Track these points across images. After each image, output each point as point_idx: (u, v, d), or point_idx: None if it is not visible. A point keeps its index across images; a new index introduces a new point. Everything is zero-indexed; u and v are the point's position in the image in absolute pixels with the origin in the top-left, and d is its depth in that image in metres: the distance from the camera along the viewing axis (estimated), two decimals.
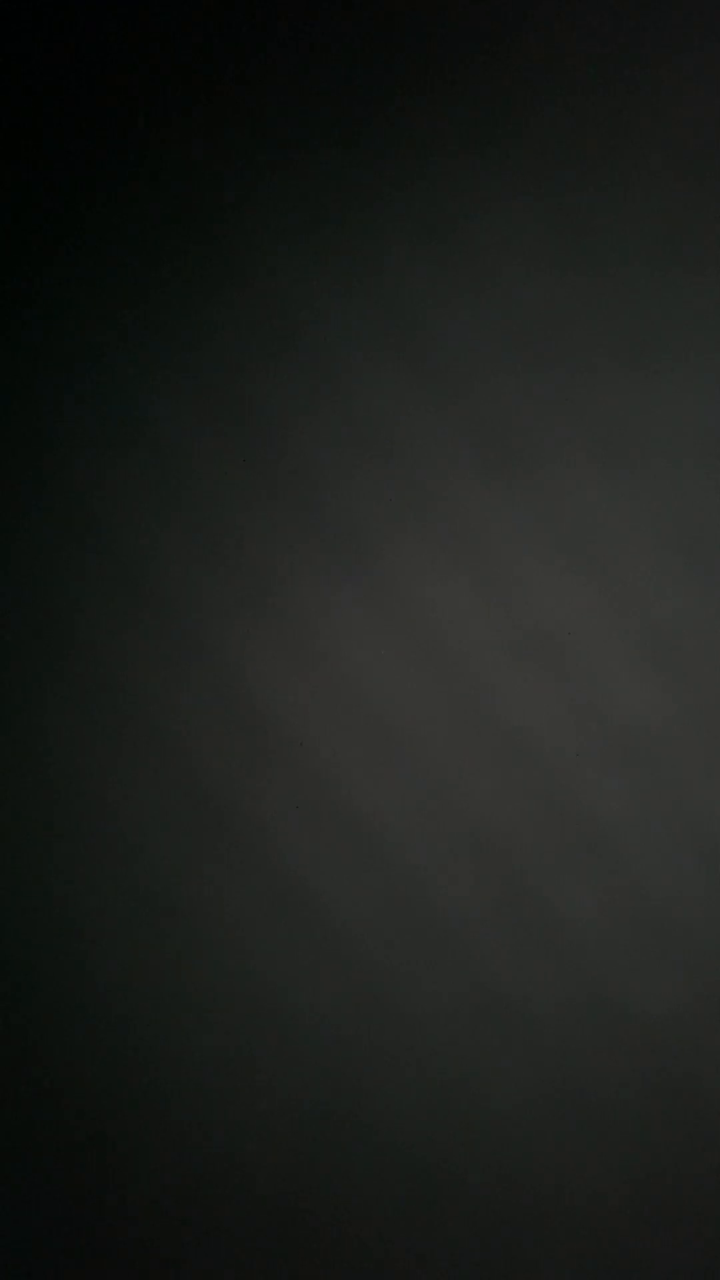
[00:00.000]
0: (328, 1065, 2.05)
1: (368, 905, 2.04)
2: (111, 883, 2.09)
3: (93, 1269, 2.08)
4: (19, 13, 2.15)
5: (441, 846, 2.03)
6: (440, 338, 2.06)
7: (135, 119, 2.14)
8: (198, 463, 2.11)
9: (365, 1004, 2.04)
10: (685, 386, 2.02)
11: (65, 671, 2.12)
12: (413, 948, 2.04)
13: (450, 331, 2.06)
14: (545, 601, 2.03)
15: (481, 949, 2.03)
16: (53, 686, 2.12)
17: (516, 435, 2.05)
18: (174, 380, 2.12)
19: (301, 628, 2.07)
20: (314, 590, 2.07)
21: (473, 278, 2.06)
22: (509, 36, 2.06)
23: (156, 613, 2.10)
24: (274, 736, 2.07)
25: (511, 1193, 2.02)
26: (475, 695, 2.04)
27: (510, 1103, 2.02)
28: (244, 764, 2.07)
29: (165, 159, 2.14)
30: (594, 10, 2.06)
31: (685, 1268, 1.99)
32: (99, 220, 2.14)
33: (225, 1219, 2.06)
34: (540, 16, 2.05)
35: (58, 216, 2.15)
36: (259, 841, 2.06)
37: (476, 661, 2.04)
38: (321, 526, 2.07)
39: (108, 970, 2.09)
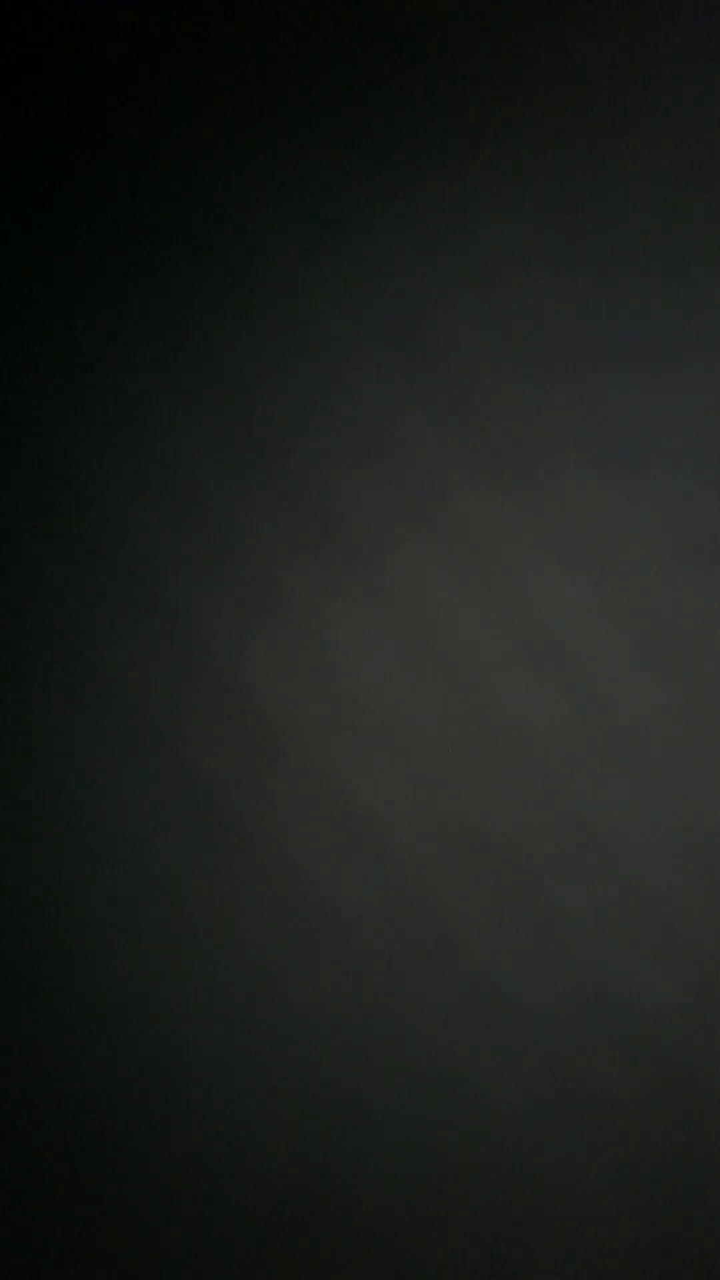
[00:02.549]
0: (329, 1062, 2.05)
1: (369, 905, 2.05)
2: (114, 883, 2.09)
3: (93, 1266, 2.08)
4: (18, 17, 2.15)
5: (443, 846, 2.04)
6: (443, 342, 2.07)
7: (135, 123, 2.14)
8: (200, 467, 2.11)
9: (366, 1002, 2.05)
10: (688, 389, 2.02)
11: (68, 675, 2.12)
12: (414, 946, 2.04)
13: (453, 335, 2.06)
14: (548, 603, 2.03)
15: (482, 947, 2.03)
16: (56, 690, 2.12)
17: (519, 438, 2.05)
18: (176, 385, 2.12)
19: (304, 629, 2.07)
20: (316, 592, 2.07)
21: (475, 281, 2.06)
22: (510, 39, 2.07)
23: (159, 615, 2.11)
24: (276, 738, 2.07)
25: (512, 1188, 2.02)
26: (478, 697, 2.04)
27: (511, 1100, 2.02)
28: (246, 765, 2.07)
29: (164, 163, 2.14)
30: (595, 13, 2.06)
31: (685, 1266, 1.99)
32: (98, 226, 2.15)
33: (226, 1216, 2.07)
34: (541, 19, 2.06)
35: (57, 221, 2.16)
36: (262, 842, 2.07)
37: (479, 663, 2.04)
38: (324, 530, 2.07)
39: (110, 969, 2.09)
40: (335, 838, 2.05)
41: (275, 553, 2.08)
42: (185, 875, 2.08)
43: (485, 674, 2.04)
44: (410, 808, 2.04)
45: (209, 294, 2.12)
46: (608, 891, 2.01)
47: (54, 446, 2.14)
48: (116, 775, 2.10)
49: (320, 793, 2.06)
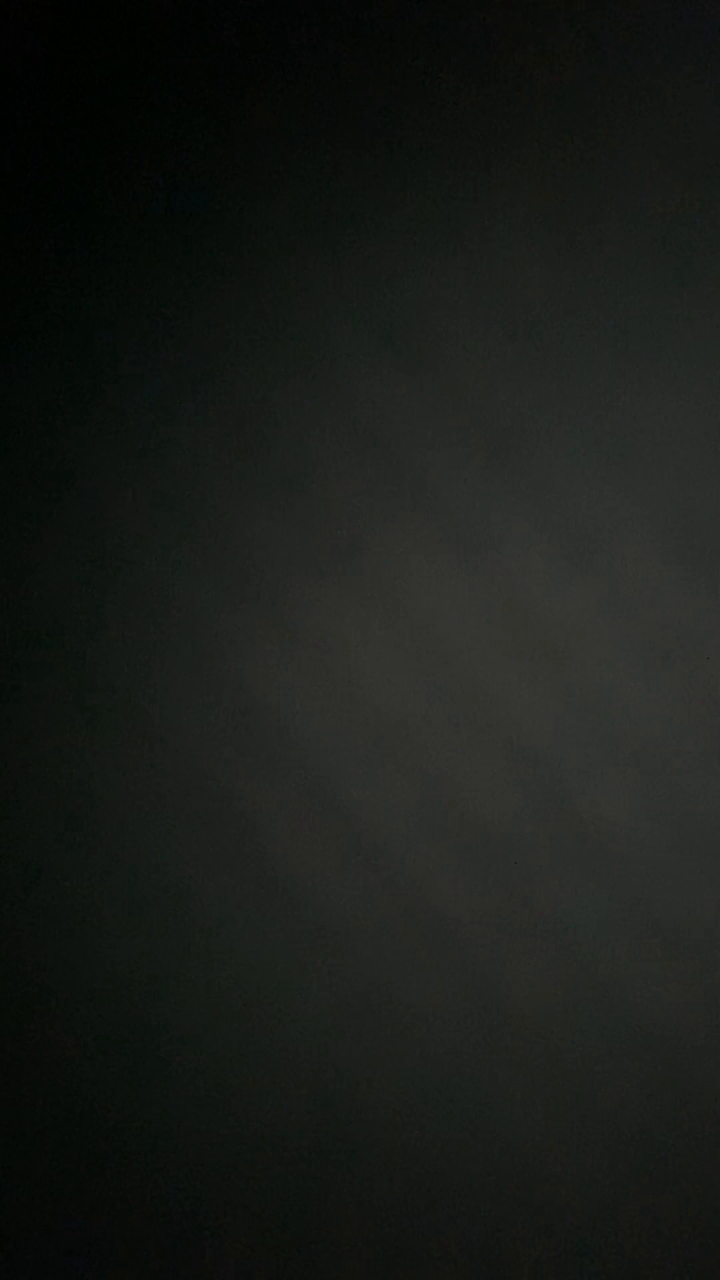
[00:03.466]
0: (327, 1065, 2.05)
1: (370, 907, 2.05)
2: (117, 883, 2.09)
3: (93, 1265, 2.08)
4: (19, 22, 2.15)
5: (442, 849, 2.04)
6: (446, 349, 2.07)
7: (137, 131, 2.15)
8: (203, 473, 2.11)
9: (367, 1001, 2.04)
10: (685, 392, 2.03)
11: (74, 682, 2.12)
12: (413, 949, 2.04)
13: (455, 343, 2.07)
14: (547, 604, 2.04)
15: (482, 950, 2.03)
16: (62, 696, 2.12)
17: (518, 439, 2.05)
18: (182, 398, 2.12)
19: (305, 633, 2.07)
20: (322, 599, 2.07)
21: (474, 283, 2.07)
22: (511, 49, 2.07)
23: (165, 622, 2.11)
24: (278, 740, 2.07)
25: (513, 1195, 2.02)
26: (481, 701, 2.04)
27: (510, 1103, 2.02)
28: (248, 768, 2.07)
29: (167, 171, 2.14)
30: (595, 24, 2.06)
31: (684, 1265, 1.99)
32: (101, 234, 2.15)
33: (225, 1216, 2.06)
34: (542, 30, 2.06)
35: (61, 235, 2.16)
36: (263, 844, 2.07)
37: (483, 668, 2.04)
38: (326, 534, 2.08)
39: (111, 966, 2.09)
40: (337, 841, 2.05)
41: (282, 562, 2.08)
42: (190, 874, 2.08)
43: (488, 678, 2.04)
44: (414, 810, 2.04)
45: (214, 305, 2.12)
46: (607, 890, 2.01)
47: (63, 461, 2.15)
48: (121, 779, 2.10)
49: (325, 796, 2.06)
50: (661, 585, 2.02)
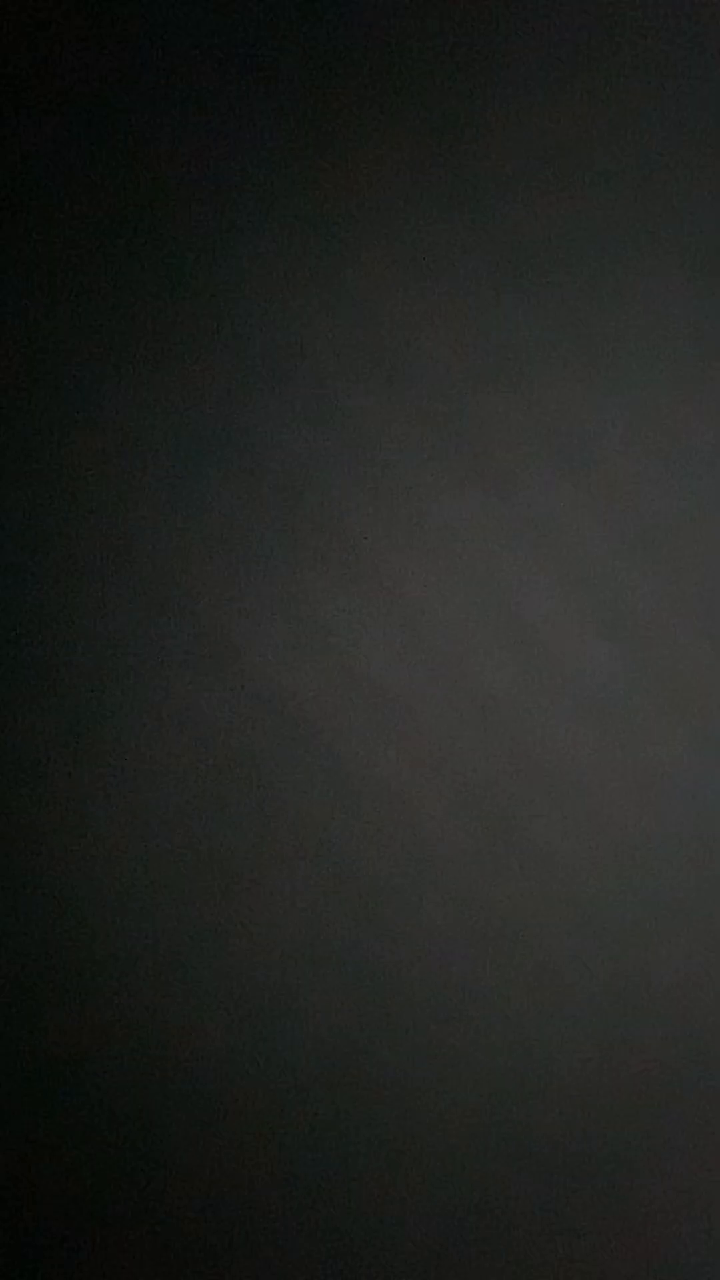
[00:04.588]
0: (331, 1036, 2.03)
1: (373, 858, 2.05)
2: (118, 857, 2.08)
3: (93, 1257, 2.04)
4: (15, 32, 2.14)
5: (438, 803, 2.05)
6: (424, 362, 2.10)
7: (129, 144, 2.15)
8: (201, 476, 2.14)
9: (367, 988, 2.04)
10: (640, 400, 2.07)
11: (77, 666, 2.13)
12: (412, 885, 2.04)
13: (433, 358, 2.10)
14: (521, 591, 2.07)
15: (477, 886, 2.03)
16: (60, 676, 2.13)
17: (491, 449, 2.09)
18: (177, 398, 2.14)
19: (303, 626, 2.10)
20: (319, 593, 2.10)
21: (452, 308, 2.10)
22: (492, 73, 2.11)
23: (169, 618, 2.13)
24: (284, 716, 2.08)
25: (513, 1190, 2.00)
26: (463, 676, 2.07)
27: (506, 1061, 2.01)
28: (252, 744, 2.08)
29: (158, 187, 2.16)
30: (591, 19, 2.11)
31: (685, 1269, 1.98)
32: (92, 248, 2.16)
33: (225, 1203, 2.03)
34: (522, 54, 2.10)
35: (52, 243, 2.17)
36: (274, 810, 2.08)
37: (464, 647, 2.07)
38: (325, 536, 2.10)
39: (112, 945, 2.07)
40: (341, 797, 2.06)
41: (279, 557, 2.11)
42: (189, 861, 2.07)
43: (468, 655, 2.07)
44: (410, 771, 2.06)
45: (203, 318, 2.13)
46: (602, 855, 2.01)
47: (62, 460, 2.15)
48: (121, 759, 2.10)
49: (324, 761, 2.07)
50: (617, 569, 2.05)
